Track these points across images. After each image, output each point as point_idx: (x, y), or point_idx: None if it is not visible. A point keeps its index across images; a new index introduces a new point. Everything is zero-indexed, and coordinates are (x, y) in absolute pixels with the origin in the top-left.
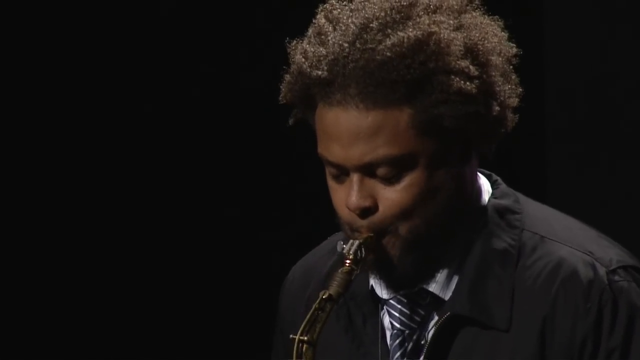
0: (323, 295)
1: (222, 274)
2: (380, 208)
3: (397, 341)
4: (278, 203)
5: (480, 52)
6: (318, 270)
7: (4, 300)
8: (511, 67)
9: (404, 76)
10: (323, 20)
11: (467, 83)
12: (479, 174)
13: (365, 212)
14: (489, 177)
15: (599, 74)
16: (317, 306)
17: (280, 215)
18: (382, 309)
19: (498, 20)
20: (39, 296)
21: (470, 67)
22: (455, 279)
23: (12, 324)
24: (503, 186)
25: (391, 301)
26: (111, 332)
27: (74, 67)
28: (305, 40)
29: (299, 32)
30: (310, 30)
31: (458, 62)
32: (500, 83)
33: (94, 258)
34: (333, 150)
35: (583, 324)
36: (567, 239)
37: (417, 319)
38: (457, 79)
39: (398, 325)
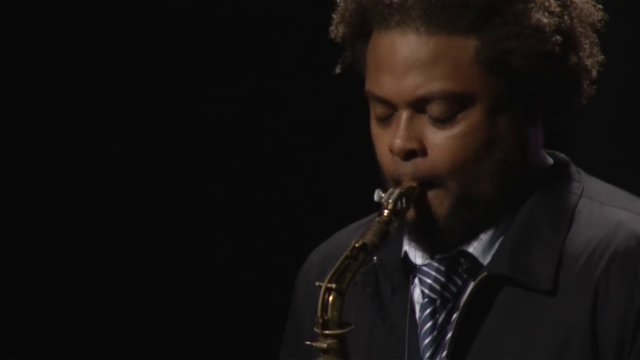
0: (356, 243)
1: (224, 275)
2: (429, 154)
3: (428, 311)
4: (282, 203)
5: None
6: (339, 254)
7: (3, 300)
8: (594, 34)
9: (476, 0)
10: None
11: (546, 15)
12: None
13: (410, 155)
14: (551, 155)
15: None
16: (348, 254)
17: (285, 215)
18: (413, 282)
19: None
20: (39, 296)
21: (551, 1)
22: (499, 242)
23: (12, 324)
24: (566, 159)
25: (424, 267)
26: (111, 332)
27: (74, 68)
28: None
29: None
30: None
31: None
32: (581, 36)
33: (96, 258)
34: (384, 82)
35: None
36: (629, 207)
37: (453, 288)
38: (535, 9)
39: (429, 293)
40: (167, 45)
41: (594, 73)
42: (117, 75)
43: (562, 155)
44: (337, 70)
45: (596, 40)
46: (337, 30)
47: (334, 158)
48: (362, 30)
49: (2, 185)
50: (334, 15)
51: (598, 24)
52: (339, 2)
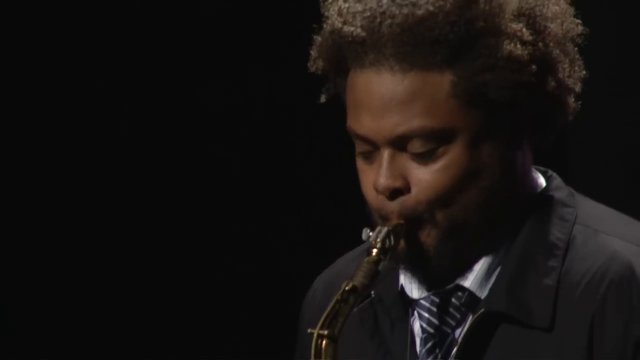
0: (346, 286)
1: (227, 276)
2: (413, 191)
3: (427, 346)
4: (287, 205)
5: (537, 18)
6: (342, 280)
7: (4, 300)
8: (576, 47)
9: (447, 35)
10: None
11: (519, 46)
12: (533, 167)
13: (395, 194)
14: (544, 173)
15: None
16: (339, 298)
17: (290, 218)
18: (413, 313)
19: None
20: (39, 296)
21: (524, 30)
22: (495, 275)
23: (12, 324)
24: (558, 180)
25: (422, 301)
26: (111, 332)
27: (74, 67)
28: None
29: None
30: None
31: (510, 24)
32: (559, 58)
33: (108, 259)
34: (363, 121)
35: (638, 324)
36: (624, 234)
37: (452, 322)
38: (507, 41)
39: (428, 328)
40: (168, 46)
41: (578, 88)
42: (118, 75)
43: (554, 174)
44: (322, 99)
45: (577, 56)
46: (315, 64)
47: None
48: (340, 67)
49: (2, 185)
50: (311, 51)
51: (578, 39)
52: (315, 37)
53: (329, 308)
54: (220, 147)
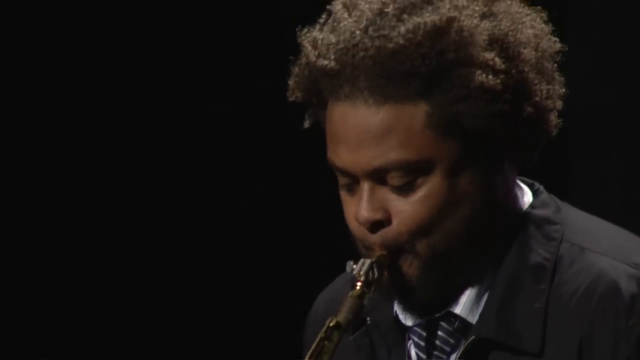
0: (330, 322)
1: (228, 276)
2: (394, 222)
3: None
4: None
5: (510, 44)
6: (341, 300)
7: (3, 300)
8: (555, 65)
9: (419, 67)
10: (339, 6)
11: (491, 77)
12: (519, 182)
13: (376, 226)
14: (530, 186)
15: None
16: (323, 335)
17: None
18: (409, 338)
19: (540, 12)
20: (39, 296)
21: (496, 59)
22: (484, 300)
23: (12, 324)
24: (544, 195)
25: (415, 328)
26: (111, 332)
27: (74, 67)
28: (317, 28)
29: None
30: (324, 17)
31: (482, 53)
32: (535, 81)
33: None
34: (341, 154)
35: (625, 344)
36: (610, 250)
37: (446, 348)
38: (480, 72)
39: (423, 355)
40: (169, 46)
41: (558, 105)
42: (120, 76)
43: (541, 187)
44: (306, 124)
45: (555, 74)
46: (294, 94)
47: None
48: (318, 98)
49: (2, 186)
50: (289, 82)
51: (556, 57)
52: (292, 67)
53: (313, 346)
54: (224, 147)
